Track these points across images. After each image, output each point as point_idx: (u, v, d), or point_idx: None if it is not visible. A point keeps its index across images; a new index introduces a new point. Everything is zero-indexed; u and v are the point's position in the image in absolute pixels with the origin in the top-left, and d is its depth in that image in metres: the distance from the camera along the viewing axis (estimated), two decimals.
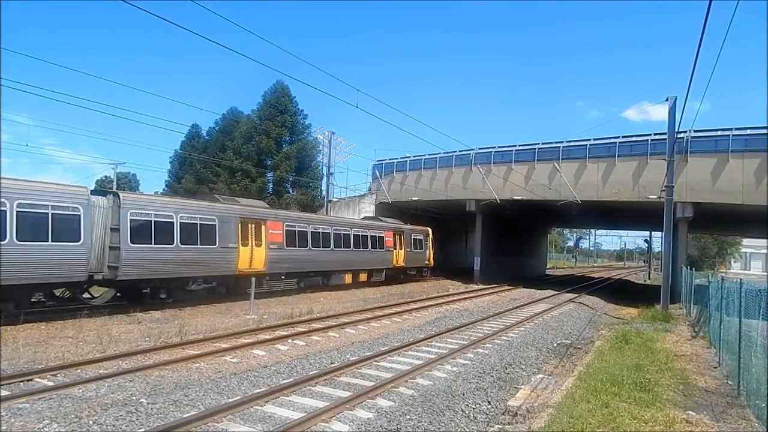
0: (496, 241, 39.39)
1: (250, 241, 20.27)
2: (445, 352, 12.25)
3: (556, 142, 32.55)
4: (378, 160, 42.59)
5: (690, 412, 7.74)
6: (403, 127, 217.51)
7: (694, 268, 24.46)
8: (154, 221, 16.57)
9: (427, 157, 38.57)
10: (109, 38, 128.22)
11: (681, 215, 26.52)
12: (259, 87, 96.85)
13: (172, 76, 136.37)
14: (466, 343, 13.51)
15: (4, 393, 7.75)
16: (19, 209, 13.17)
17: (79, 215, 14.43)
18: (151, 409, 7.43)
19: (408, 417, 7.65)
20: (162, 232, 16.73)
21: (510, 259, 43.68)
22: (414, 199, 37.69)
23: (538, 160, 32.75)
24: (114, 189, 39.97)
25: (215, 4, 12.00)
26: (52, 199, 13.91)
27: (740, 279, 9.84)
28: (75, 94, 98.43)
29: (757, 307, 8.09)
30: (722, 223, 41.18)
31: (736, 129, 26.22)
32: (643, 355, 11.89)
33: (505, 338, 14.98)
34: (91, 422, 6.83)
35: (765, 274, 59.01)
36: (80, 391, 8.14)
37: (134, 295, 16.59)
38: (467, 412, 8.14)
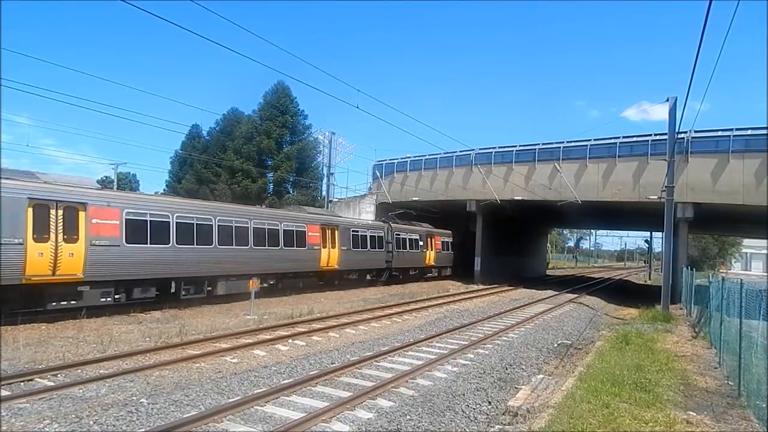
0: (497, 241, 39.37)
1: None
2: (445, 352, 12.24)
3: (557, 143, 32.54)
4: (378, 161, 42.61)
5: (691, 413, 7.73)
6: (403, 127, 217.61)
7: (694, 269, 24.45)
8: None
9: (427, 157, 38.55)
10: (109, 38, 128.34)
11: (681, 216, 26.50)
12: (259, 87, 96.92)
13: (172, 76, 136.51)
14: (466, 343, 13.50)
15: (5, 393, 7.75)
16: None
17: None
18: (152, 409, 7.43)
19: (408, 417, 7.65)
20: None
21: (510, 259, 43.67)
22: (414, 199, 37.66)
23: (538, 161, 32.73)
24: (115, 189, 40.06)
25: (215, 4, 12.02)
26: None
27: (741, 279, 9.84)
28: (75, 94, 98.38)
29: (757, 307, 8.08)
30: (723, 223, 41.17)
31: (737, 129, 26.21)
32: (643, 355, 11.88)
33: (505, 338, 14.97)
34: (91, 422, 6.83)
35: (765, 274, 58.99)
36: (81, 391, 8.14)
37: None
38: (467, 413, 8.14)
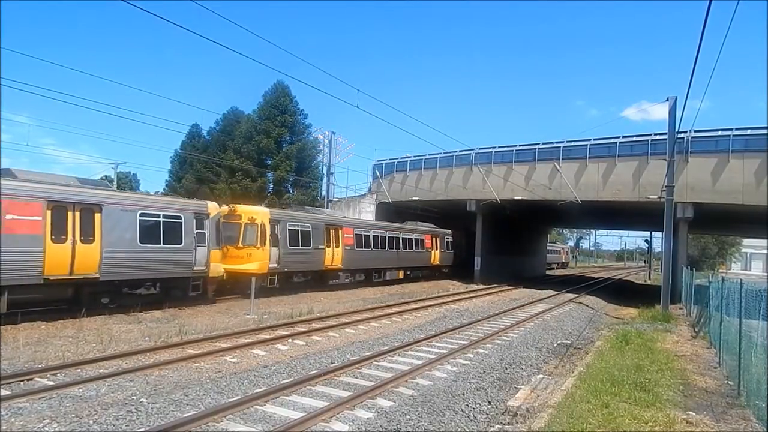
0: (497, 241, 39.40)
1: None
2: (445, 352, 12.24)
3: (557, 142, 32.54)
4: (378, 160, 42.61)
5: (690, 413, 7.74)
6: (403, 127, 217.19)
7: (694, 269, 24.45)
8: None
9: (427, 157, 38.54)
10: (109, 38, 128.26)
11: (681, 215, 26.50)
12: (259, 87, 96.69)
13: (172, 76, 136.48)
14: (466, 343, 13.50)
15: (4, 392, 7.75)
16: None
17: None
18: (152, 408, 7.43)
19: (408, 417, 7.65)
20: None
21: (510, 259, 43.68)
22: (414, 199, 37.69)
23: (538, 160, 32.73)
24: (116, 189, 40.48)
25: (215, 4, 12.00)
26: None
27: (740, 279, 9.84)
28: (75, 94, 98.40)
29: (757, 307, 8.08)
30: (722, 223, 41.17)
31: (737, 129, 26.21)
32: (643, 355, 11.88)
33: (505, 338, 14.97)
34: (91, 422, 6.83)
35: (765, 274, 59.00)
36: (80, 390, 8.13)
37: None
38: (467, 412, 8.14)
